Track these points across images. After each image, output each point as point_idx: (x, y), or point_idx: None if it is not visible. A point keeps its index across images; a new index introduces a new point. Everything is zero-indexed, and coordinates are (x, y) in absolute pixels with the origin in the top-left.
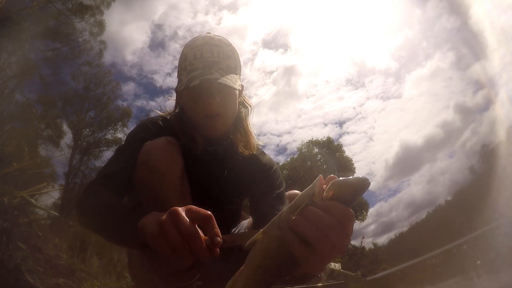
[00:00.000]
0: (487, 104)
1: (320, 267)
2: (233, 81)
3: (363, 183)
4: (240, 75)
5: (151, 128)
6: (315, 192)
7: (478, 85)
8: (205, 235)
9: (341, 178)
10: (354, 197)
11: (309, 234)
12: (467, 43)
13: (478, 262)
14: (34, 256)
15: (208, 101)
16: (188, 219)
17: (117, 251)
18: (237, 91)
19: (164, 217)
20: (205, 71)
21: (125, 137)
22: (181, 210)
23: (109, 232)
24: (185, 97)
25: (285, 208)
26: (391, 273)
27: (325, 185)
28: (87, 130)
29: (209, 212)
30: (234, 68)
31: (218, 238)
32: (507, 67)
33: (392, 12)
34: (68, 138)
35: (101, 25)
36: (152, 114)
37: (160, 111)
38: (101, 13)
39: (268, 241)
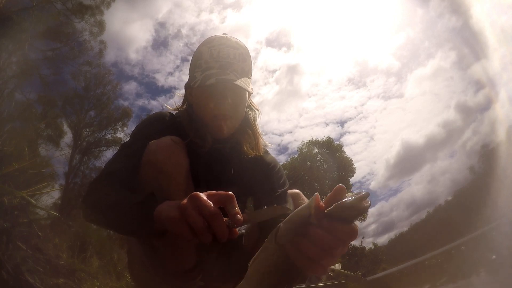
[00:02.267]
0: (488, 104)
1: (323, 273)
2: (246, 84)
3: (365, 205)
4: (251, 78)
5: (156, 125)
6: (312, 213)
7: (479, 85)
8: (226, 215)
9: (344, 200)
10: (355, 218)
11: (314, 255)
12: (469, 43)
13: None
14: (34, 256)
15: (220, 102)
16: (208, 201)
17: (117, 251)
18: (247, 94)
19: (184, 201)
20: (220, 71)
21: (126, 137)
22: (202, 194)
23: (120, 223)
24: (196, 95)
25: (289, 205)
26: (391, 273)
27: (322, 203)
28: (87, 130)
29: (230, 193)
30: (248, 71)
31: (239, 216)
32: (507, 67)
33: (394, 12)
34: (68, 138)
35: (101, 25)
36: (155, 110)
37: (162, 109)
38: (101, 13)
39: (267, 256)
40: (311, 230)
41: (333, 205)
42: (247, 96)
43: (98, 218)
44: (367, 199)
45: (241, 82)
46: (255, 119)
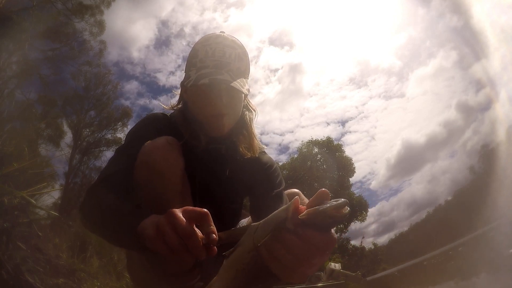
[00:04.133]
0: (489, 104)
1: (300, 280)
2: (241, 84)
3: (342, 214)
4: (248, 79)
5: (151, 126)
6: (289, 216)
7: (480, 84)
8: (201, 233)
9: (319, 207)
10: (331, 226)
11: (287, 261)
12: (470, 42)
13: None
14: (34, 256)
15: (214, 101)
16: (184, 219)
17: (117, 251)
18: (243, 94)
19: (162, 218)
20: (215, 71)
21: (125, 135)
22: (178, 211)
23: (111, 235)
24: (191, 94)
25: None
26: (391, 273)
27: (301, 205)
28: (87, 130)
29: (205, 210)
30: (244, 71)
31: (214, 235)
32: (507, 67)
33: (395, 11)
34: (68, 138)
35: (101, 25)
36: (155, 110)
37: (164, 109)
38: (101, 13)
39: (243, 254)
40: (286, 237)
41: (306, 211)
42: (243, 96)
43: (92, 228)
44: (345, 208)
45: (235, 83)
46: (251, 120)
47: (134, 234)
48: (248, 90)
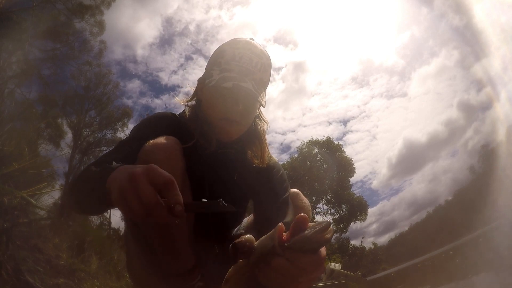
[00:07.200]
0: (490, 103)
1: None
2: (262, 96)
3: (327, 237)
4: (266, 91)
5: (158, 125)
6: (275, 244)
7: (481, 84)
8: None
9: (303, 234)
10: (318, 248)
11: (281, 282)
12: (471, 42)
13: None
14: (34, 256)
15: (230, 106)
16: (148, 186)
17: (117, 251)
18: (259, 105)
19: (125, 182)
20: (239, 77)
21: (126, 136)
22: (141, 173)
23: (87, 201)
24: (208, 93)
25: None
26: (391, 273)
27: (285, 234)
28: (87, 130)
29: (170, 176)
30: (265, 83)
31: (179, 207)
32: (508, 66)
33: (399, 11)
34: (68, 138)
35: (101, 25)
36: (157, 109)
37: (166, 108)
38: (101, 13)
39: (239, 279)
40: (275, 261)
41: (292, 240)
42: (258, 106)
43: (75, 204)
44: (329, 229)
45: (256, 94)
46: (264, 130)
47: (104, 191)
48: (265, 103)
